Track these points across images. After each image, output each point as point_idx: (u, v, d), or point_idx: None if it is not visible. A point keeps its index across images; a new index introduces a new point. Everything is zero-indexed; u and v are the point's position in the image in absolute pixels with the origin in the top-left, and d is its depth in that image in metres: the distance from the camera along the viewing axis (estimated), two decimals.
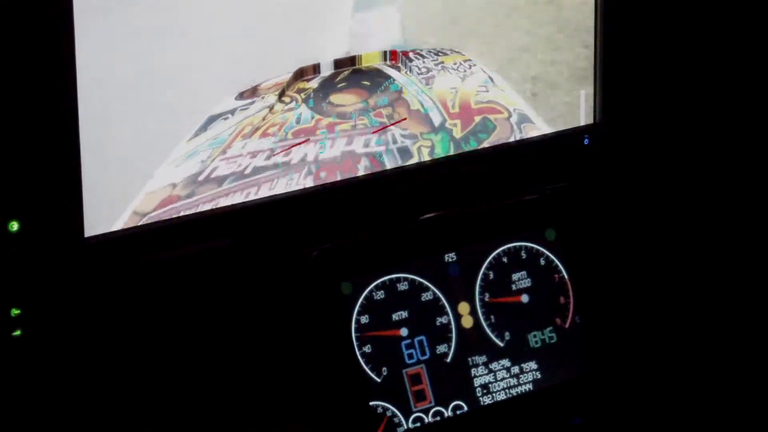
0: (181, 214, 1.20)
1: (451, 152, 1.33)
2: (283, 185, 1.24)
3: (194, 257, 1.22)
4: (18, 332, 1.14)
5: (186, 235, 1.21)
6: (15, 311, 1.13)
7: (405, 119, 1.30)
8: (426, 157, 1.31)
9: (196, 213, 1.21)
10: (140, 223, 1.18)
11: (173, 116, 1.18)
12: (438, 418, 1.27)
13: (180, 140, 1.19)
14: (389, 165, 1.30)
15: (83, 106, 1.12)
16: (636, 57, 1.44)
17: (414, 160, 1.31)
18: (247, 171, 1.22)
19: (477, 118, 1.34)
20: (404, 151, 1.30)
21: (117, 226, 1.17)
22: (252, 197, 1.23)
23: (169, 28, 1.16)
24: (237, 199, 1.22)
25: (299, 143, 1.24)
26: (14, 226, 1.11)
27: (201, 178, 1.20)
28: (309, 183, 1.26)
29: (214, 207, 1.21)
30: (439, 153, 1.32)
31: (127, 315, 1.21)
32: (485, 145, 1.34)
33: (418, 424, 1.26)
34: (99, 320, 1.20)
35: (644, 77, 1.46)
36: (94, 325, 1.20)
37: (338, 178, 1.27)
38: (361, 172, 1.28)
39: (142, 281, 1.20)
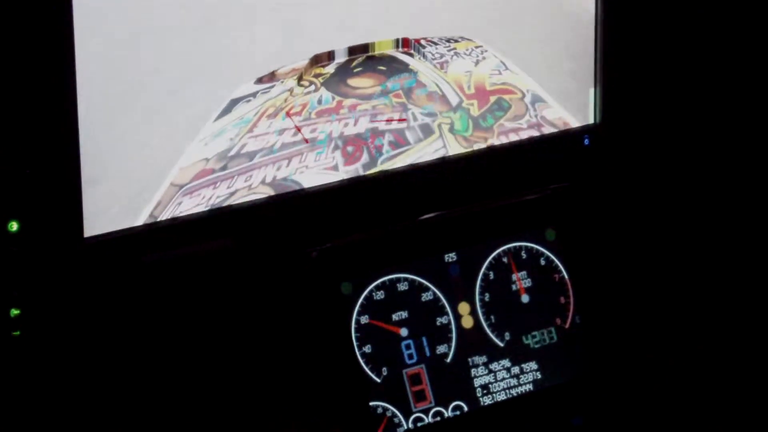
0: (218, 184, 1.22)
1: (470, 128, 1.35)
2: (312, 159, 1.27)
3: (194, 257, 1.22)
4: (18, 332, 1.14)
5: (186, 235, 1.21)
6: (15, 311, 1.13)
7: (405, 120, 1.31)
8: (446, 133, 1.33)
9: (196, 213, 1.21)
10: (178, 194, 1.19)
11: (180, 112, 1.19)
12: (438, 419, 1.27)
13: (191, 138, 1.20)
14: (412, 140, 1.32)
15: (87, 106, 1.12)
16: (636, 58, 1.45)
17: (435, 136, 1.33)
18: (276, 146, 1.25)
19: (492, 98, 1.36)
20: (426, 128, 1.32)
21: (152, 202, 1.18)
22: (283, 170, 1.25)
23: (177, 17, 1.17)
24: (269, 171, 1.24)
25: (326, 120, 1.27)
26: (14, 226, 1.11)
27: (232, 153, 1.23)
28: (337, 157, 1.28)
29: (247, 179, 1.23)
30: (459, 129, 1.34)
31: (126, 315, 1.21)
32: (503, 122, 1.36)
33: (419, 425, 1.26)
34: (99, 320, 1.20)
35: (644, 78, 1.46)
36: (93, 325, 1.20)
37: (364, 153, 1.29)
38: (385, 147, 1.30)
39: (142, 281, 1.20)
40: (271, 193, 1.25)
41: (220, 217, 1.22)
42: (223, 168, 1.22)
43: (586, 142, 1.41)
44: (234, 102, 1.22)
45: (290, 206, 1.26)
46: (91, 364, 1.21)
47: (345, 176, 1.29)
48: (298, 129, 1.25)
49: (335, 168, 1.27)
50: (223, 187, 1.22)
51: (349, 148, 1.28)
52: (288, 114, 1.25)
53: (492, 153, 1.36)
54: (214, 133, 1.21)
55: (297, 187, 1.26)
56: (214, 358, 1.26)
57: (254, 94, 1.23)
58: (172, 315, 1.24)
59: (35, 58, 1.09)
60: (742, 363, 1.39)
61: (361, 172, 1.30)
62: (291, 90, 1.25)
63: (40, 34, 1.09)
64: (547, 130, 1.39)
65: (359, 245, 1.28)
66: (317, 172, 1.26)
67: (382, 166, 1.31)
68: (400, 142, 1.31)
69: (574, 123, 1.41)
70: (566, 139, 1.40)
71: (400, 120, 1.31)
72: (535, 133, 1.39)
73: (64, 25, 1.10)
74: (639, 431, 1.31)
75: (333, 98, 1.28)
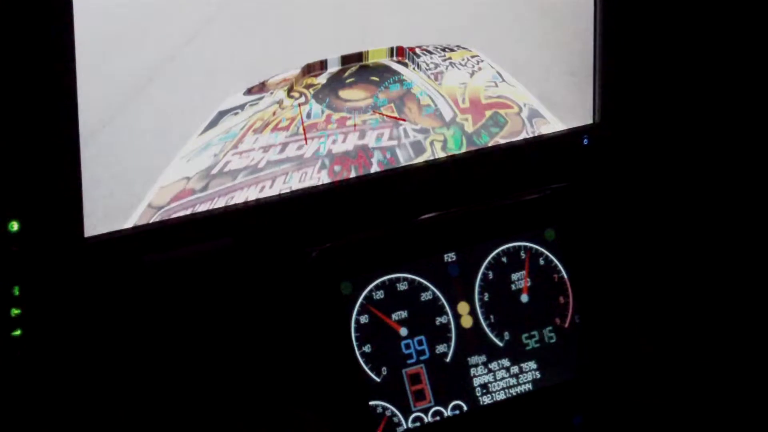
0: (197, 207, 1.20)
1: (464, 146, 1.33)
2: (296, 179, 1.25)
3: (194, 257, 1.22)
4: (18, 332, 1.14)
5: (186, 235, 1.21)
6: (15, 311, 1.13)
7: (405, 120, 1.30)
8: (439, 152, 1.32)
9: (196, 213, 1.21)
10: (155, 216, 1.18)
11: (178, 115, 1.19)
12: (437, 418, 1.27)
13: (186, 139, 1.19)
14: (402, 159, 1.30)
15: (86, 105, 1.13)
16: (635, 57, 1.45)
17: (427, 155, 1.31)
18: (261, 165, 1.23)
19: (488, 113, 1.34)
20: (417, 145, 1.30)
21: (129, 222, 1.17)
22: (267, 191, 1.23)
23: (172, 22, 1.17)
24: (252, 193, 1.22)
25: (312, 137, 1.25)
26: (14, 226, 1.12)
27: (214, 171, 1.20)
28: (323, 177, 1.26)
29: (228, 201, 1.21)
30: (452, 147, 1.32)
31: (126, 315, 1.22)
32: (498, 139, 1.34)
33: (418, 424, 1.26)
34: (99, 320, 1.20)
35: (643, 77, 1.46)
36: (94, 325, 1.20)
37: (352, 173, 1.28)
38: (374, 167, 1.29)
39: (142, 281, 1.20)
40: None
41: (220, 217, 1.22)
42: (204, 188, 1.20)
43: (586, 142, 1.41)
44: (221, 114, 1.20)
45: (290, 206, 1.26)
46: (91, 363, 1.21)
47: (330, 183, 1.27)
48: (305, 135, 1.24)
49: None
50: (201, 209, 1.20)
51: (336, 168, 1.26)
52: (274, 130, 1.23)
53: (492, 153, 1.36)
54: (199, 147, 1.19)
55: None
56: (214, 358, 1.26)
57: (242, 106, 1.21)
58: (173, 315, 1.25)
59: (36, 59, 1.09)
60: (742, 362, 1.39)
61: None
62: (280, 102, 1.23)
63: (41, 36, 1.09)
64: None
65: (359, 245, 1.28)
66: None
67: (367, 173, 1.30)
68: (389, 162, 1.29)
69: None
70: (566, 139, 1.40)
71: (399, 119, 1.30)
72: None
73: (65, 28, 1.10)
74: (639, 431, 1.31)
75: (322, 112, 1.25)
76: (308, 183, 1.25)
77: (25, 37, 1.08)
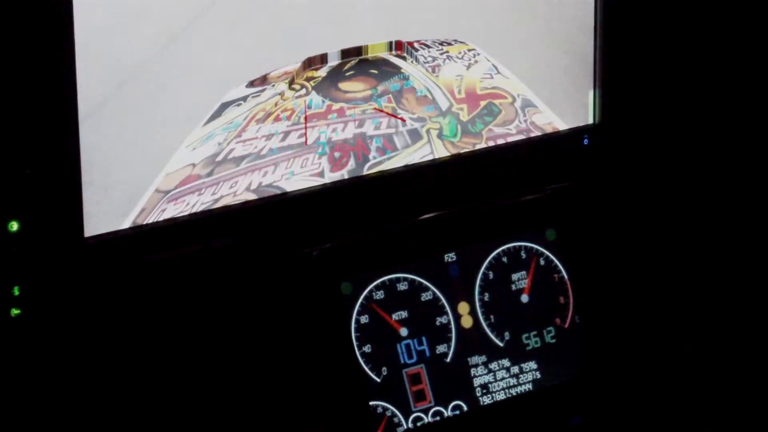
0: (203, 191, 1.21)
1: (459, 134, 1.34)
2: (298, 165, 1.26)
3: (194, 257, 1.22)
4: (18, 332, 1.14)
5: (186, 235, 1.21)
6: (15, 311, 1.13)
7: (404, 120, 1.31)
8: (435, 139, 1.33)
9: (196, 213, 1.21)
10: (162, 201, 1.19)
11: (179, 112, 1.19)
12: (438, 418, 1.27)
13: (188, 136, 1.20)
14: (400, 146, 1.31)
15: (85, 104, 1.12)
16: (636, 57, 1.45)
17: (423, 142, 1.32)
18: (263, 152, 1.24)
19: (482, 103, 1.35)
20: (414, 133, 1.32)
21: (136, 208, 1.18)
22: (269, 176, 1.24)
23: (173, 17, 1.17)
24: (255, 177, 1.24)
25: (313, 126, 1.26)
26: (14, 226, 1.11)
27: (219, 158, 1.22)
28: (324, 163, 1.27)
29: (232, 185, 1.22)
30: (448, 135, 1.33)
31: (126, 315, 1.22)
32: (491, 127, 1.35)
33: (418, 424, 1.26)
34: (99, 320, 1.20)
35: (644, 78, 1.46)
36: (93, 325, 1.20)
37: (351, 158, 1.28)
38: (372, 153, 1.29)
39: (142, 281, 1.20)
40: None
41: (220, 217, 1.22)
42: (209, 174, 1.21)
43: (586, 142, 1.41)
44: (224, 105, 1.21)
45: (290, 206, 1.26)
46: (91, 363, 1.21)
47: (330, 183, 1.28)
48: (305, 130, 1.25)
49: (321, 174, 1.27)
50: (207, 193, 1.22)
51: (336, 154, 1.28)
52: (276, 120, 1.25)
53: (492, 153, 1.36)
54: (203, 137, 1.21)
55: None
56: (214, 358, 1.26)
57: (245, 98, 1.23)
58: (173, 315, 1.25)
59: (35, 59, 1.09)
60: (742, 363, 1.39)
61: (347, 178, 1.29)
62: (282, 93, 1.25)
63: (40, 32, 1.09)
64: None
65: (359, 245, 1.28)
66: (303, 178, 1.26)
67: (368, 173, 1.30)
68: (387, 148, 1.31)
69: (564, 128, 1.40)
70: (566, 139, 1.40)
71: (398, 118, 1.30)
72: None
73: (65, 26, 1.10)
74: (639, 431, 1.31)
75: (323, 103, 1.27)
76: (309, 168, 1.26)
77: (23, 35, 1.08)
